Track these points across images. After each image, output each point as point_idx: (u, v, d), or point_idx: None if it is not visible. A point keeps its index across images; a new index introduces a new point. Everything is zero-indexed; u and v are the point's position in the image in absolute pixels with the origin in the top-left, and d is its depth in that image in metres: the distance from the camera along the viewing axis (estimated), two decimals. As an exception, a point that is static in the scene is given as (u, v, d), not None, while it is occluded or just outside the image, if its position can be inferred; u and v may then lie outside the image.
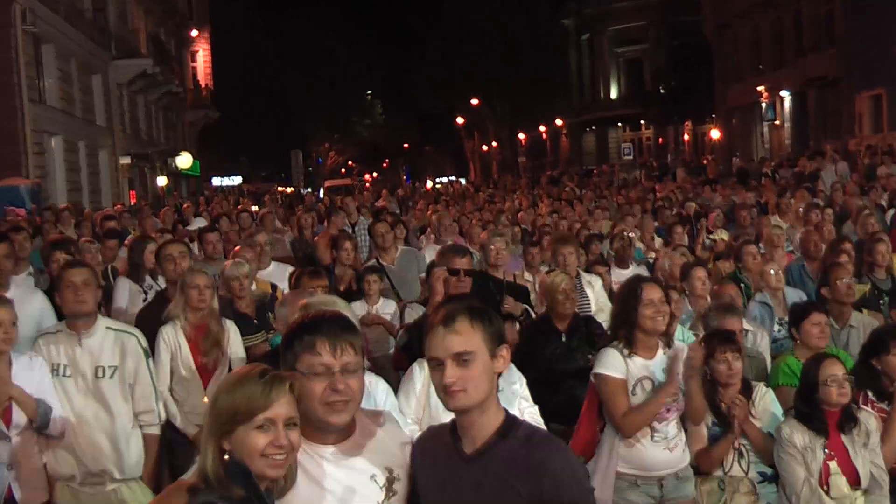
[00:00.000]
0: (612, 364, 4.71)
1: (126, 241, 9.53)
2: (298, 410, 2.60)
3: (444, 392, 2.73)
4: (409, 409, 4.40)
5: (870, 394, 5.29)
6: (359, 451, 2.80)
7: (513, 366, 4.59)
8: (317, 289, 5.96)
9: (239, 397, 2.53)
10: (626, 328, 4.74)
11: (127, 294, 7.33)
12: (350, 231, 11.23)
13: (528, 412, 4.53)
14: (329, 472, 2.74)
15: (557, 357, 6.02)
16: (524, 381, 4.64)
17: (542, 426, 4.48)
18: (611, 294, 7.77)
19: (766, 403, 5.14)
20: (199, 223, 13.45)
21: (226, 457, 2.51)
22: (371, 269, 7.80)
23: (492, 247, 7.41)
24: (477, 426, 2.74)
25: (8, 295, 5.47)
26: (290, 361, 2.73)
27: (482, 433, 2.73)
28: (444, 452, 2.80)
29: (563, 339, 6.19)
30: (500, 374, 2.78)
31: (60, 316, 6.15)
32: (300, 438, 2.61)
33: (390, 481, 2.80)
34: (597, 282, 8.03)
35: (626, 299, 4.78)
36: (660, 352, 4.76)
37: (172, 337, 5.67)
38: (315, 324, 2.77)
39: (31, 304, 5.99)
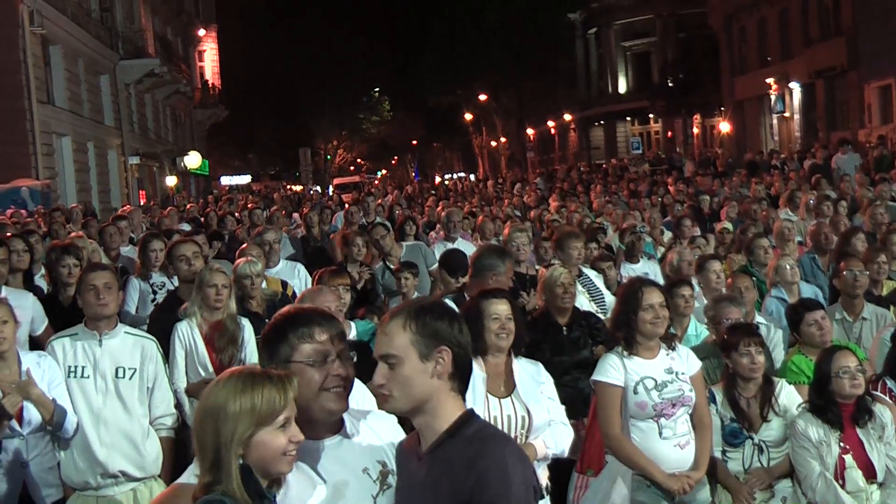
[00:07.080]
0: (610, 371, 4.70)
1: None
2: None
3: (376, 394, 2.74)
4: None
5: (889, 383, 5.25)
6: (349, 445, 2.80)
7: (541, 366, 4.59)
8: (339, 286, 5.95)
9: (259, 400, 2.48)
10: (626, 330, 4.72)
11: (137, 296, 7.31)
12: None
13: (556, 412, 4.47)
14: (321, 466, 2.74)
15: (560, 349, 5.90)
16: (551, 380, 4.58)
17: (568, 426, 4.48)
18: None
19: (788, 399, 5.09)
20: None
21: (240, 461, 2.48)
22: (405, 266, 7.93)
23: (514, 242, 7.37)
24: (427, 428, 2.66)
25: None
26: (284, 354, 2.72)
27: (434, 433, 2.64)
28: (411, 452, 2.76)
29: (565, 332, 6.07)
30: (451, 376, 2.64)
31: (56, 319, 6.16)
32: None
33: (384, 475, 2.80)
34: (599, 277, 7.99)
35: (626, 301, 4.75)
36: (661, 352, 4.75)
37: (188, 334, 5.66)
38: (307, 315, 2.80)
39: (24, 307, 5.88)
